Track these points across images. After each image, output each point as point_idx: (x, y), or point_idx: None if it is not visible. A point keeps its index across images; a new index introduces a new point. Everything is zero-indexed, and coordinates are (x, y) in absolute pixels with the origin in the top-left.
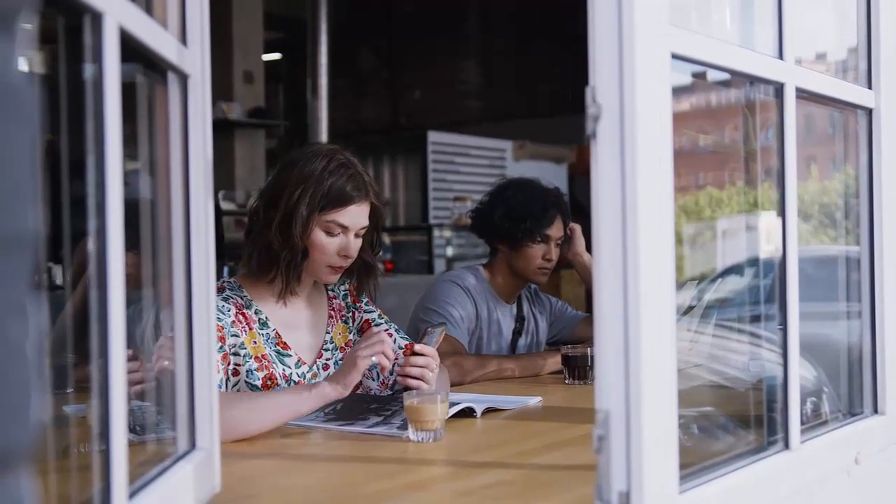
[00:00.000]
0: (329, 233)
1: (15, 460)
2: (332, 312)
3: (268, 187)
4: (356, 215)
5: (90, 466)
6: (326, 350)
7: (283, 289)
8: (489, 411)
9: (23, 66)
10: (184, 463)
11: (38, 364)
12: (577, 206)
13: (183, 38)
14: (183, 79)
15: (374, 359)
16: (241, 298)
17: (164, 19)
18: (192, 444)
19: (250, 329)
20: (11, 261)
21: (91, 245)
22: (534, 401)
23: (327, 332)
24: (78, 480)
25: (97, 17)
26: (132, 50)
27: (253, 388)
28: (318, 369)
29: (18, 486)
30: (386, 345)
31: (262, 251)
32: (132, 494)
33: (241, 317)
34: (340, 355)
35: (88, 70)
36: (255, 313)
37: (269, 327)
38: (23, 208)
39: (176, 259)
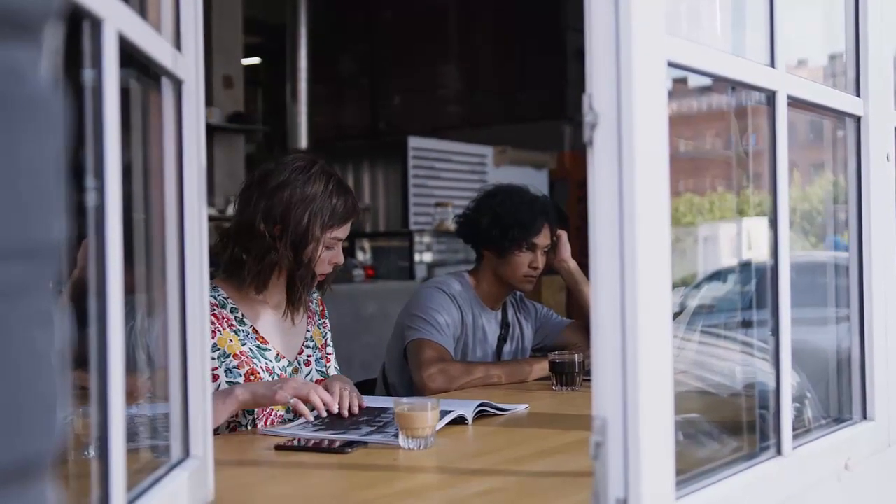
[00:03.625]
0: (329, 248)
1: (41, 469)
2: (311, 313)
3: (264, 203)
4: (349, 228)
5: (82, 474)
6: (308, 347)
7: (291, 305)
8: (481, 415)
9: (50, 73)
10: (178, 471)
11: (62, 372)
12: (557, 212)
13: (177, 44)
14: (177, 84)
15: (291, 401)
16: (215, 298)
17: (159, 25)
18: (186, 453)
19: (224, 329)
20: (38, 269)
21: (86, 249)
22: (521, 408)
23: (308, 331)
24: (71, 488)
25: (97, 23)
26: (127, 55)
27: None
28: (299, 364)
29: (44, 494)
30: (312, 395)
31: (269, 268)
32: (129, 503)
33: (212, 318)
34: (319, 354)
35: (87, 75)
36: (231, 311)
37: (246, 325)
38: (49, 217)
39: (170, 266)
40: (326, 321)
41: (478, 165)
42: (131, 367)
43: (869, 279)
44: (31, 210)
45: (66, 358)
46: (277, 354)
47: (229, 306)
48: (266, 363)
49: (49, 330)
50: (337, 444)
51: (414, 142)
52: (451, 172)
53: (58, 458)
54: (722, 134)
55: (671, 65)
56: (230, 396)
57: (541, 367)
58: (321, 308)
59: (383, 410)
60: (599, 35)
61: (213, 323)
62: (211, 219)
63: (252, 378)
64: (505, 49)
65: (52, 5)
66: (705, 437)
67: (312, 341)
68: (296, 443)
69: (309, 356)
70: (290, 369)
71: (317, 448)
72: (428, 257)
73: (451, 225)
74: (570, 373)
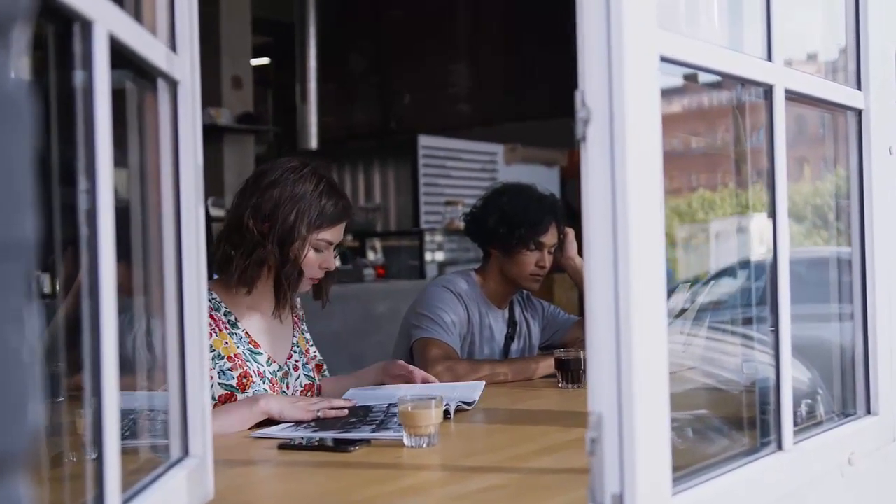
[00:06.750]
0: (317, 250)
1: (13, 465)
2: (296, 320)
3: (255, 200)
4: (341, 232)
5: (80, 475)
6: (295, 352)
7: (279, 304)
8: (461, 411)
9: (19, 74)
10: (177, 470)
11: (34, 370)
12: (569, 210)
13: (172, 45)
14: (173, 85)
15: (320, 413)
16: (210, 302)
17: (154, 26)
18: (185, 452)
19: (220, 331)
20: (10, 267)
21: (81, 253)
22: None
23: (294, 336)
24: (68, 489)
25: (87, 25)
26: (121, 56)
27: (228, 388)
28: (289, 368)
29: (17, 491)
30: (334, 402)
31: (255, 265)
32: (125, 502)
33: (209, 319)
34: (305, 359)
35: (78, 77)
36: (225, 315)
37: (239, 328)
38: (21, 215)
39: (167, 267)
40: (304, 328)
41: (488, 164)
42: (138, 369)
43: (872, 273)
44: (4, 209)
45: (39, 355)
46: (269, 359)
47: (223, 309)
48: (258, 367)
49: (21, 327)
50: (340, 442)
51: (424, 140)
52: (461, 171)
53: (33, 455)
54: (733, 130)
55: (664, 59)
56: (255, 406)
57: (546, 365)
58: (302, 315)
59: (370, 409)
60: (591, 30)
61: (209, 324)
62: (220, 220)
63: (245, 381)
64: (514, 46)
65: (20, 7)
66: (710, 433)
67: (298, 347)
68: (300, 441)
69: (297, 361)
70: (280, 373)
71: (320, 447)
72: (439, 256)
73: (461, 223)
74: (576, 370)
